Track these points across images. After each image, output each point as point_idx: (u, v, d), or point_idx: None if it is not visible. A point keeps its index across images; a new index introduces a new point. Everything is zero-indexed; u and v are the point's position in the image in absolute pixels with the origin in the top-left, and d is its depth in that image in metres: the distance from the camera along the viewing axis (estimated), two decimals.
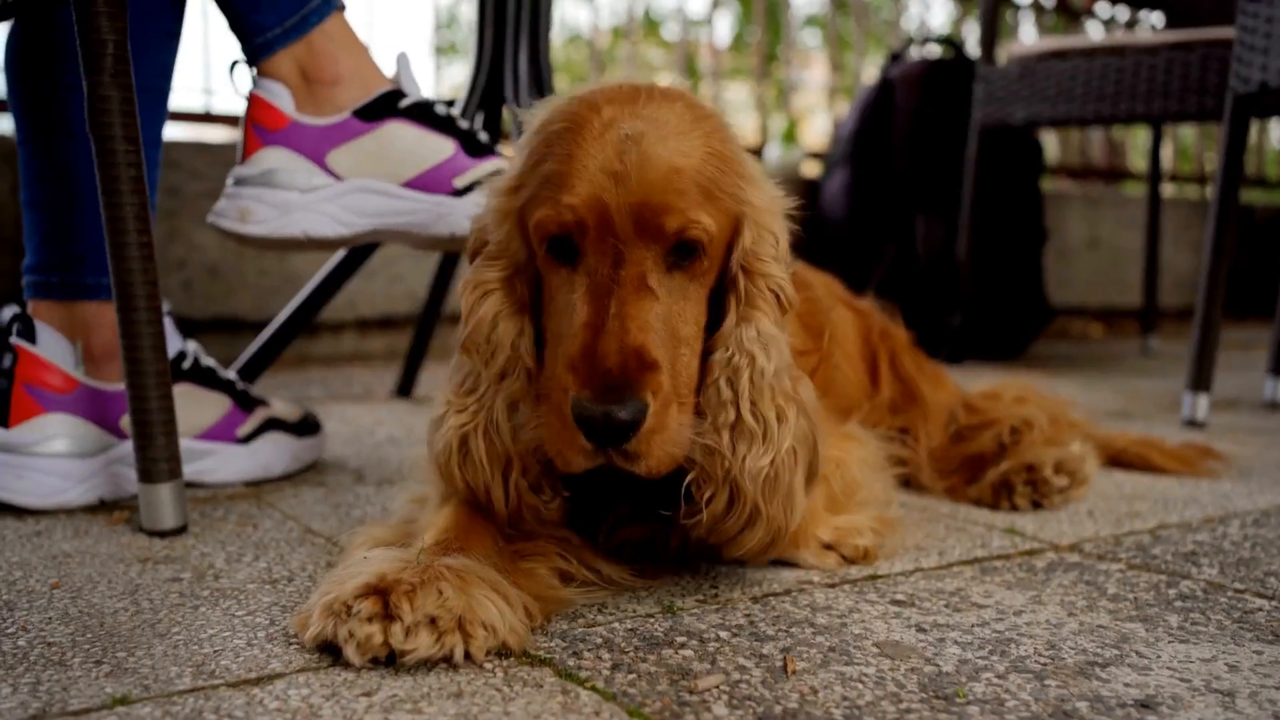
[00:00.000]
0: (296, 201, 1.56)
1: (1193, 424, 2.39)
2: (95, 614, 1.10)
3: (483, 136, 1.67)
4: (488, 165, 1.62)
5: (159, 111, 1.63)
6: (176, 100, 3.53)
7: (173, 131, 3.40)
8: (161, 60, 1.62)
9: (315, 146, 1.58)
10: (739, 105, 7.83)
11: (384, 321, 3.53)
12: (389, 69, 1.66)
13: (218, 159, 3.22)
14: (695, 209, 1.06)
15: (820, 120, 6.86)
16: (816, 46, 8.47)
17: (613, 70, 6.90)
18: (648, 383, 1.03)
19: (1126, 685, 0.97)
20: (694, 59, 5.80)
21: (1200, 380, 2.40)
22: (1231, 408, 2.71)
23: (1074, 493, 1.68)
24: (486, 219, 1.17)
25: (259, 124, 1.58)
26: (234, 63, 1.61)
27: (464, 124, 1.65)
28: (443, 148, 1.61)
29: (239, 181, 1.59)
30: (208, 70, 3.47)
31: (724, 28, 9.47)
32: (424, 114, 1.62)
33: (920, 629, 1.11)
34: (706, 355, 1.13)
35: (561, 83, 7.81)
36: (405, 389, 2.62)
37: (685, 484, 1.12)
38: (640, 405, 1.02)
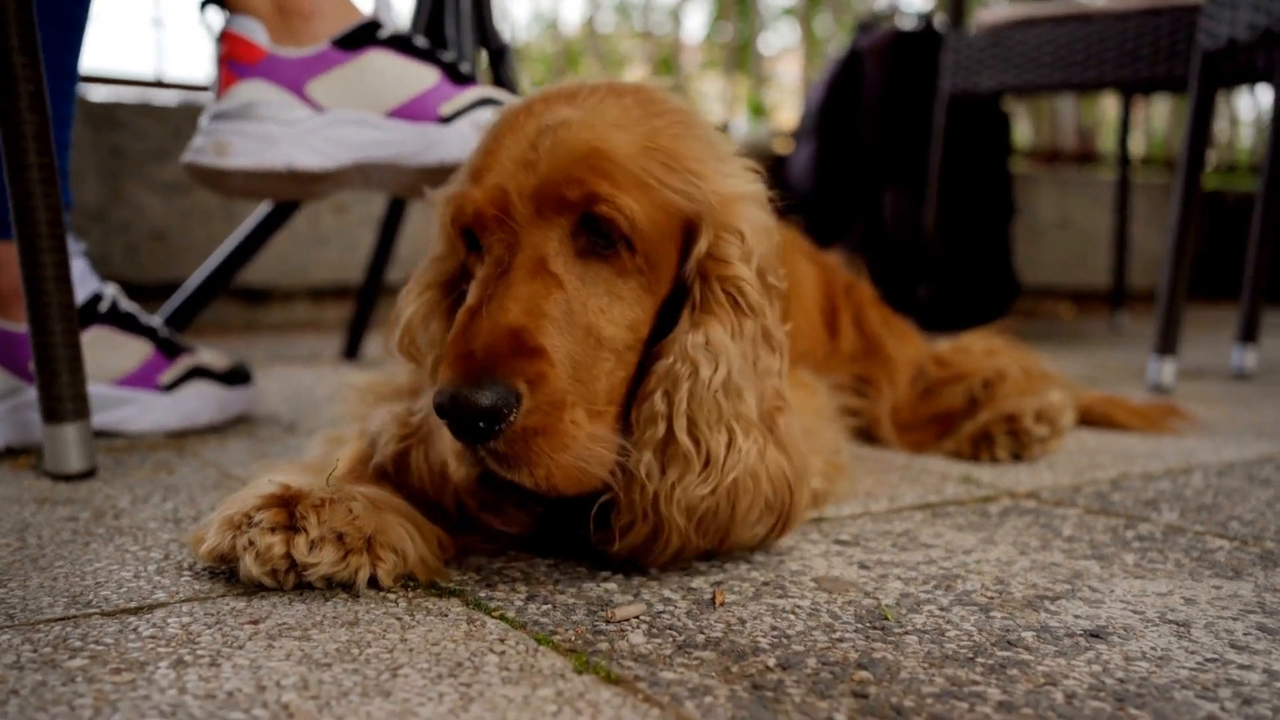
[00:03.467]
0: (278, 134, 1.47)
1: (1158, 389, 2.34)
2: None
3: (465, 67, 1.59)
4: (473, 92, 1.54)
5: (74, 40, 1.54)
6: (127, 66, 3.42)
7: (121, 93, 3.30)
8: None
9: (294, 77, 1.49)
10: (713, 97, 7.75)
11: (338, 290, 3.43)
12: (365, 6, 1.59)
13: (164, 121, 3.12)
14: (612, 187, 0.92)
15: (792, 111, 6.79)
16: (794, 44, 8.41)
17: (584, 63, 6.79)
18: (520, 369, 0.86)
19: (1076, 617, 0.90)
20: (669, 51, 5.71)
21: (1166, 344, 2.36)
22: (1199, 377, 2.67)
23: (1052, 443, 1.62)
24: (434, 229, 1.07)
25: (234, 60, 1.49)
26: (204, 1, 1.53)
27: (445, 55, 1.58)
28: (426, 76, 1.53)
29: (216, 117, 1.50)
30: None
31: (697, 20, 9.38)
32: (404, 44, 1.54)
33: (863, 566, 1.04)
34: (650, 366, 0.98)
35: (537, 73, 7.71)
36: (352, 351, 2.54)
37: (595, 507, 0.95)
38: (505, 391, 0.84)
